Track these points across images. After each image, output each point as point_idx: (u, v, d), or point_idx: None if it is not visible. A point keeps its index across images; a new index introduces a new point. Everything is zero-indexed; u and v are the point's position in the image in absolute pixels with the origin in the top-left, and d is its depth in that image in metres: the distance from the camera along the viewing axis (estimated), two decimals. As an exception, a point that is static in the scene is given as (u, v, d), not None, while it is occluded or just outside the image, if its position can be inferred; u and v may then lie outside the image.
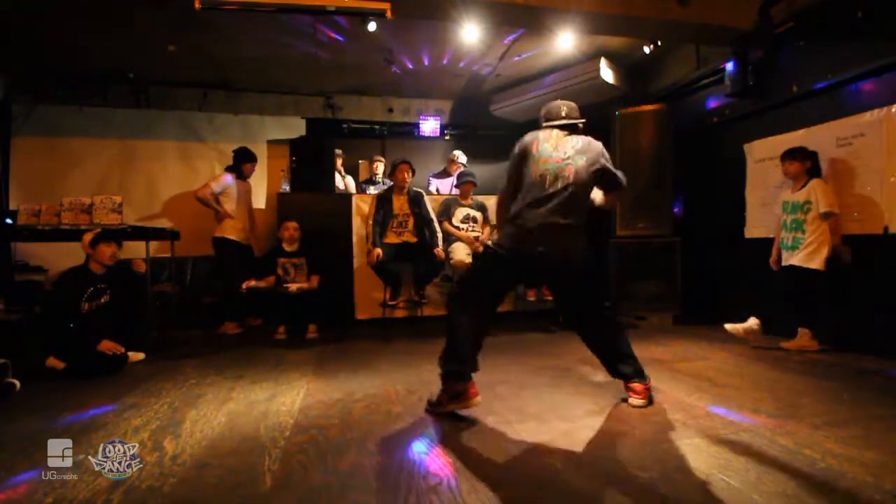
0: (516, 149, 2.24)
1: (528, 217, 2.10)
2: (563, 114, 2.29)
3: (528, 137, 2.25)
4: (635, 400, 2.19)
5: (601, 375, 2.59)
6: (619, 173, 2.26)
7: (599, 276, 2.77)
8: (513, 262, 2.13)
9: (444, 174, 5.75)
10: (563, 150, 2.16)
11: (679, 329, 4.09)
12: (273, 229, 4.45)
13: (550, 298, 4.25)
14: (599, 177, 2.20)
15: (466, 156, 5.73)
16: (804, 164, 3.24)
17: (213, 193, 4.13)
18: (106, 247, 3.09)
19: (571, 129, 2.27)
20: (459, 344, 2.08)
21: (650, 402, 2.20)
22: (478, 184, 4.43)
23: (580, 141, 2.21)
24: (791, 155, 3.28)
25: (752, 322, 3.31)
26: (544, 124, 2.32)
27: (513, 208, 2.17)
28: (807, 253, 3.15)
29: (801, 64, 3.62)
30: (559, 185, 2.11)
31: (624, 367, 2.22)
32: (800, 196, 3.24)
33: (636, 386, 2.19)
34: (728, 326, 3.38)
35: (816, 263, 3.10)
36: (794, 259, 3.22)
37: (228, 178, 4.28)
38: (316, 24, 4.17)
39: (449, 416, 2.08)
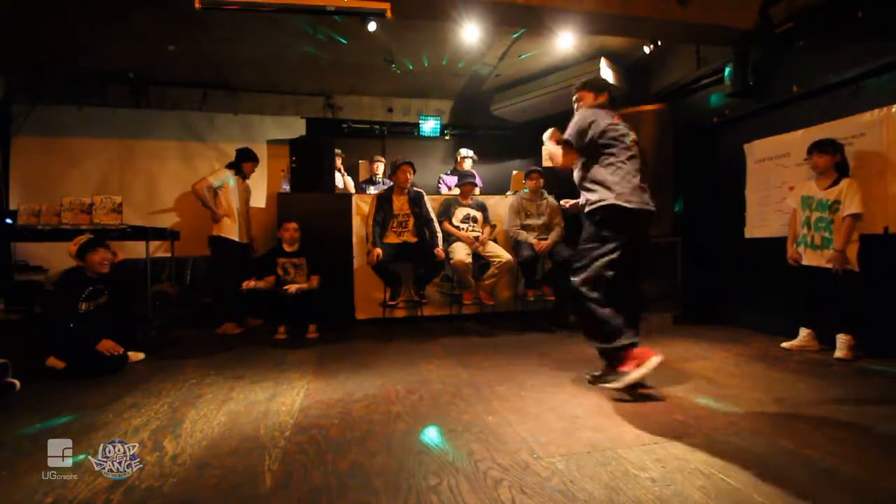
0: (595, 121, 2.41)
1: (637, 183, 2.36)
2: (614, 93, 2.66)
3: (606, 116, 2.46)
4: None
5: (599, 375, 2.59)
6: None
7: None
8: (636, 227, 2.36)
9: (455, 172, 5.76)
10: (628, 129, 2.48)
11: (679, 329, 4.09)
12: (273, 229, 4.45)
13: (552, 298, 4.26)
14: None
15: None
16: (834, 157, 3.06)
17: (210, 187, 4.10)
18: (92, 255, 3.05)
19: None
20: (617, 320, 2.30)
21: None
22: (478, 184, 4.42)
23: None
24: (821, 147, 3.10)
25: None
26: (605, 98, 2.58)
27: (623, 179, 2.35)
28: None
29: (801, 64, 3.62)
30: (640, 158, 2.45)
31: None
32: (830, 194, 3.06)
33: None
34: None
35: (852, 264, 2.96)
36: (825, 260, 3.04)
37: (228, 174, 4.26)
38: (316, 24, 4.17)
39: (450, 416, 2.09)
